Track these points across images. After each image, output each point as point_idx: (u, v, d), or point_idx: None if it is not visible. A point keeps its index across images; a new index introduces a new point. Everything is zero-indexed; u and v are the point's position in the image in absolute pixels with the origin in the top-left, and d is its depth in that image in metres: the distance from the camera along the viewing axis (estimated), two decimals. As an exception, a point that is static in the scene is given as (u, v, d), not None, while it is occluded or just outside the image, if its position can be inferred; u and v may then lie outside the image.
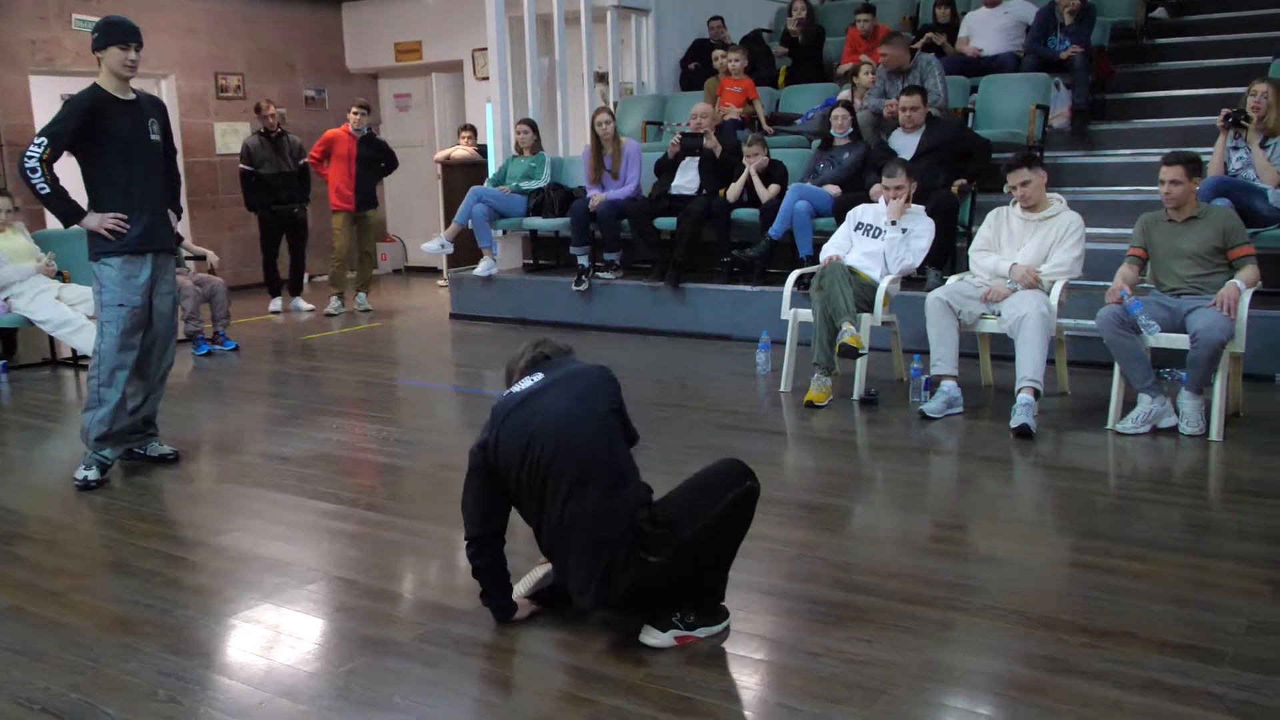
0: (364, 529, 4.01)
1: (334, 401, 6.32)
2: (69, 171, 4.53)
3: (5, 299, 6.94)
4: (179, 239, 8.20)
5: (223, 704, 2.74)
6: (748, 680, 2.80)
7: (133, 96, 4.63)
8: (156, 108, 4.79)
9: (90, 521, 4.31)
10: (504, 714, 2.63)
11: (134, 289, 4.62)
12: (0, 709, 2.72)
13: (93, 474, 4.64)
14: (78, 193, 4.63)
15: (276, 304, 9.60)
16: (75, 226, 4.61)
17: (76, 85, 5.08)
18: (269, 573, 3.60)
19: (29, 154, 4.43)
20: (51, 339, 7.22)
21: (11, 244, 7.04)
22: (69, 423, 6.25)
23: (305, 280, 9.98)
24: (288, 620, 3.23)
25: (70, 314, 6.89)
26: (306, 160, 9.29)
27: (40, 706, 2.73)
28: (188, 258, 8.27)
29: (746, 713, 2.64)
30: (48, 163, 4.44)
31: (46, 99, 9.88)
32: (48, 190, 4.46)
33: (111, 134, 4.54)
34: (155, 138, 4.70)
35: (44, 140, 4.44)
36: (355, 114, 9.19)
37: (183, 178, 5.13)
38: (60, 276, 7.22)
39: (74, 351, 7.13)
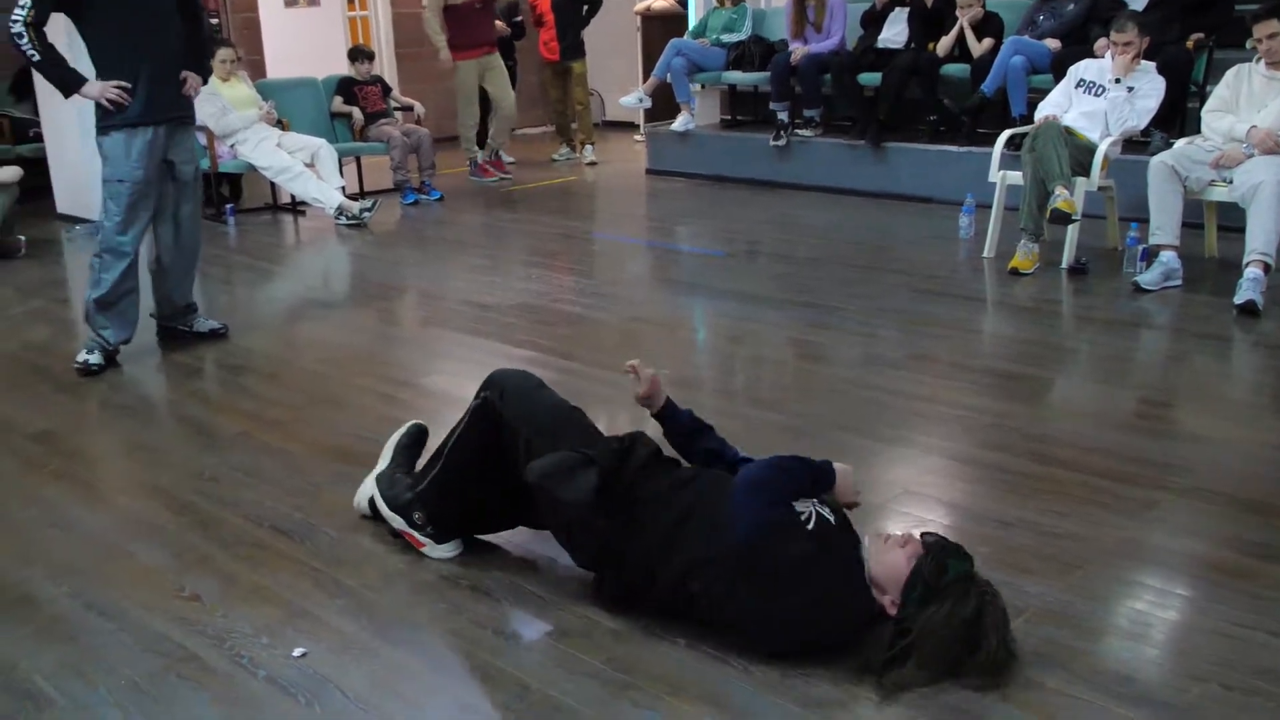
0: (560, 377, 4.13)
1: (532, 253, 6.47)
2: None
3: (231, 146, 7.33)
4: (387, 90, 8.46)
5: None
6: (934, 545, 2.79)
7: None
8: None
9: (308, 358, 4.60)
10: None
11: (136, 164, 4.22)
12: (234, 523, 2.98)
13: (94, 358, 4.31)
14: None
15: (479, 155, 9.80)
16: (76, 97, 4.18)
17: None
18: (471, 414, 3.77)
19: (13, 18, 3.99)
20: (273, 185, 7.60)
21: (235, 93, 7.38)
22: (289, 265, 6.63)
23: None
24: (488, 459, 3.38)
25: (289, 161, 7.22)
26: (519, 18, 9.37)
27: (269, 524, 2.98)
28: (395, 108, 8.50)
29: (932, 576, 2.63)
30: (34, 26, 4.00)
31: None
32: (38, 57, 4.04)
33: None
34: None
35: (27, 1, 3.98)
36: None
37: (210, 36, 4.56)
38: (280, 124, 7.55)
39: (293, 197, 7.50)
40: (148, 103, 4.20)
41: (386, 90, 8.48)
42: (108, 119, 4.20)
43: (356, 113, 8.09)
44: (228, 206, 7.54)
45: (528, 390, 2.65)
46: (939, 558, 2.21)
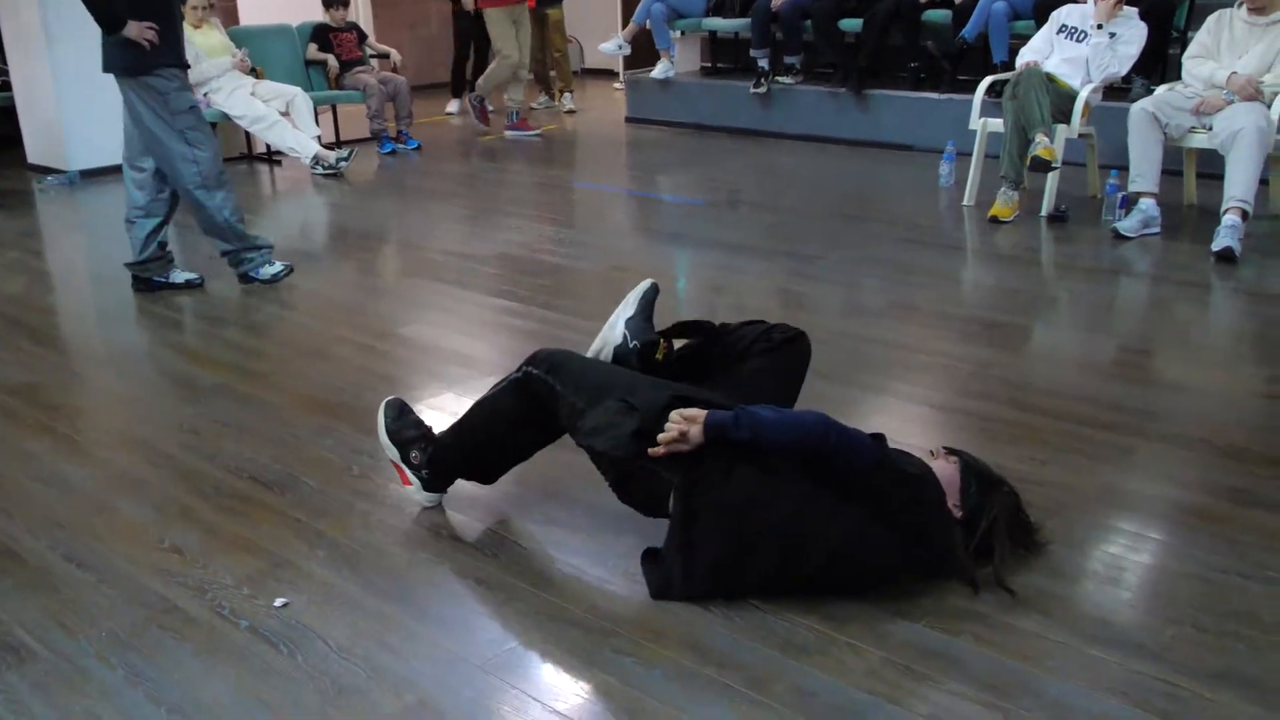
0: (541, 326, 4.13)
1: (512, 202, 6.42)
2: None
3: (204, 95, 7.21)
4: (363, 36, 8.36)
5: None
6: (914, 492, 2.80)
7: None
8: None
9: (289, 310, 4.57)
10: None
11: (191, 95, 4.53)
12: (215, 475, 2.98)
13: (277, 266, 4.74)
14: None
15: (455, 105, 9.71)
16: (115, 34, 4.29)
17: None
18: (451, 364, 3.76)
19: None
20: (248, 134, 7.50)
21: (208, 40, 7.25)
22: (266, 215, 6.57)
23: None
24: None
25: (264, 110, 7.12)
26: None
27: (249, 475, 2.97)
28: (371, 56, 8.39)
29: (911, 523, 2.65)
30: None
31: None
32: None
33: None
34: None
35: None
36: None
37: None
38: (254, 72, 7.44)
39: (268, 147, 7.40)
40: (179, 47, 4.43)
41: (362, 37, 8.35)
42: (146, 59, 4.30)
43: (331, 60, 7.98)
44: (203, 156, 7.44)
45: (578, 361, 2.63)
46: (972, 456, 2.46)
